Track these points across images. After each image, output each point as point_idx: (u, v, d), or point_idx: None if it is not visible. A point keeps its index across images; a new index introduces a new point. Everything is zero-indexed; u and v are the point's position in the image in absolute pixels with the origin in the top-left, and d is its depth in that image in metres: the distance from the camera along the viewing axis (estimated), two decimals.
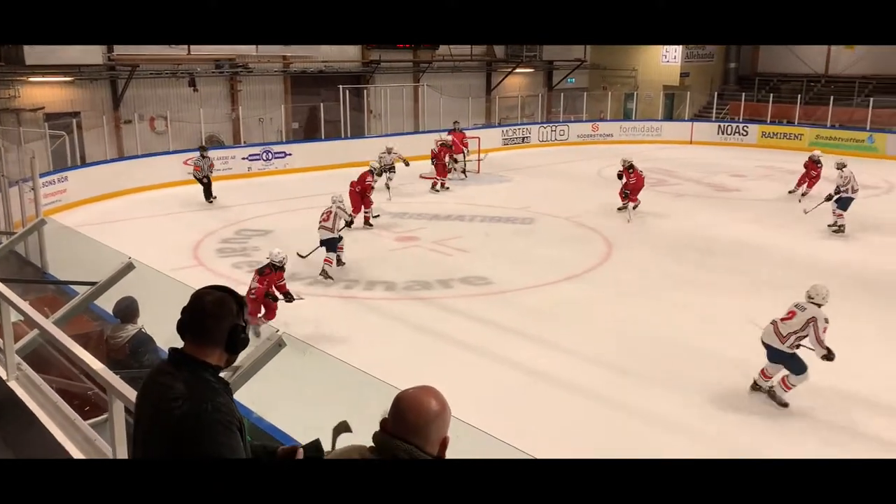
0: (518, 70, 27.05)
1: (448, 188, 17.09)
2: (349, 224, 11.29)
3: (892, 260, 11.55)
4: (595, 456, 5.76)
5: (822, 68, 28.16)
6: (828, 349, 6.55)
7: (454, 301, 9.55)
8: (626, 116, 27.60)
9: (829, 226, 13.22)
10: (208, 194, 15.89)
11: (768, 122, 25.30)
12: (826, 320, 6.60)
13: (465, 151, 19.09)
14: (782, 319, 6.78)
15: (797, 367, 6.73)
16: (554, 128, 25.69)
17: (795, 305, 6.80)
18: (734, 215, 14.65)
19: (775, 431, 6.53)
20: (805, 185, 16.09)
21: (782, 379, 6.87)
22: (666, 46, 27.70)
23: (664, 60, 27.89)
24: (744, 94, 26.72)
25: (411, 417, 1.82)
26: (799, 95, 25.29)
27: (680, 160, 21.56)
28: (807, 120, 24.78)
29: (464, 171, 18.88)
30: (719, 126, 26.01)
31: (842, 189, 12.95)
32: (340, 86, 21.53)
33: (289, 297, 8.36)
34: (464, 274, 10.80)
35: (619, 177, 14.67)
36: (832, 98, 24.26)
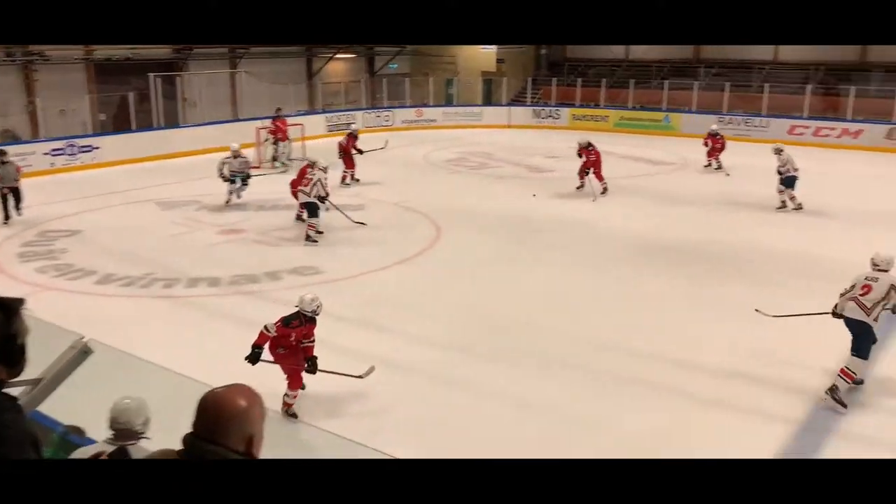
0: (339, 56, 26.84)
1: (358, 180, 16.19)
2: (321, 199, 11.85)
3: (684, 228, 12.73)
4: (446, 441, 5.71)
5: (623, 54, 30.30)
6: None
7: (283, 293, 9.38)
8: (448, 102, 28.24)
9: (777, 208, 13.83)
10: (17, 205, 12.90)
11: (577, 105, 26.88)
12: None
13: (289, 139, 18.70)
14: (861, 295, 6.74)
15: (865, 348, 6.67)
16: (379, 113, 25.77)
17: (867, 278, 6.83)
18: (552, 194, 15.47)
19: (614, 400, 6.94)
20: (714, 159, 17.80)
21: (842, 369, 6.66)
22: None
23: (481, 47, 28.79)
24: (555, 79, 28.17)
25: (210, 415, 1.80)
26: (604, 80, 27.08)
27: (500, 143, 22.42)
28: (611, 102, 26.60)
29: (286, 160, 18.46)
30: (534, 110, 27.29)
31: (782, 170, 13.75)
32: (150, 74, 20.31)
33: (312, 366, 6.47)
34: (293, 264, 10.63)
35: (579, 155, 15.31)
36: (632, 81, 26.22)
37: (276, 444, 2.02)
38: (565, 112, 26.67)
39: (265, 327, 6.27)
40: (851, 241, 11.54)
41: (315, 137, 21.34)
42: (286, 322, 6.29)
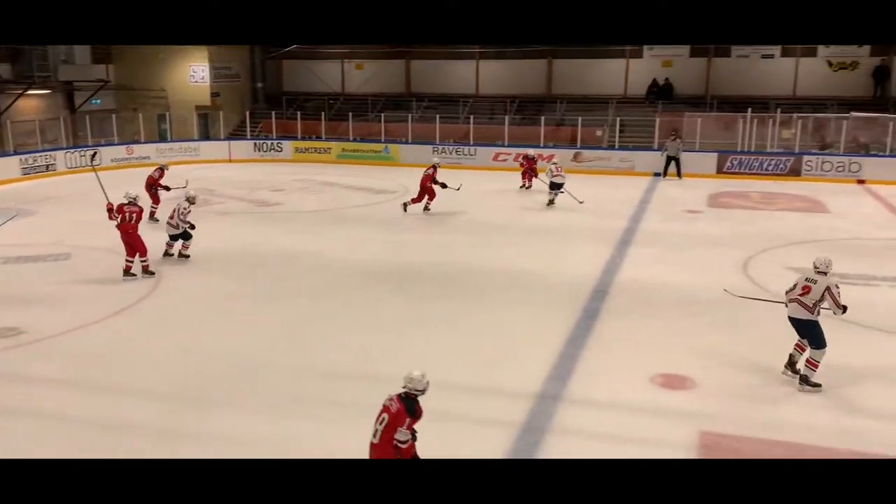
0: (31, 92, 24.19)
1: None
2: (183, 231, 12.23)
3: (408, 252, 13.39)
4: None
5: (339, 87, 31.10)
6: (844, 307, 7.35)
7: None
8: (162, 137, 26.77)
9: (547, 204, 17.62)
10: None
11: (299, 137, 27.01)
12: (837, 286, 7.37)
13: None
14: (801, 295, 7.41)
15: (819, 340, 7.36)
16: (84, 153, 23.61)
17: (807, 279, 7.45)
18: (281, 227, 15.34)
19: (357, 428, 7.00)
20: (527, 180, 19.86)
21: (807, 360, 7.46)
22: (193, 67, 27.63)
23: (192, 80, 27.75)
24: (273, 112, 28.06)
25: None
26: (323, 112, 27.55)
27: (221, 178, 21.75)
28: (332, 134, 27.13)
29: None
30: (255, 144, 26.90)
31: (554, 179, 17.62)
32: None
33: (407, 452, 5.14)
34: None
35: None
36: (350, 114, 27.01)
37: None
38: (288, 145, 26.64)
39: (399, 441, 5.03)
40: (542, 253, 12.99)
41: (7, 182, 19.00)
42: (412, 411, 5.08)
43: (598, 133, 25.60)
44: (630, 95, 28.17)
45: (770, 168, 22.42)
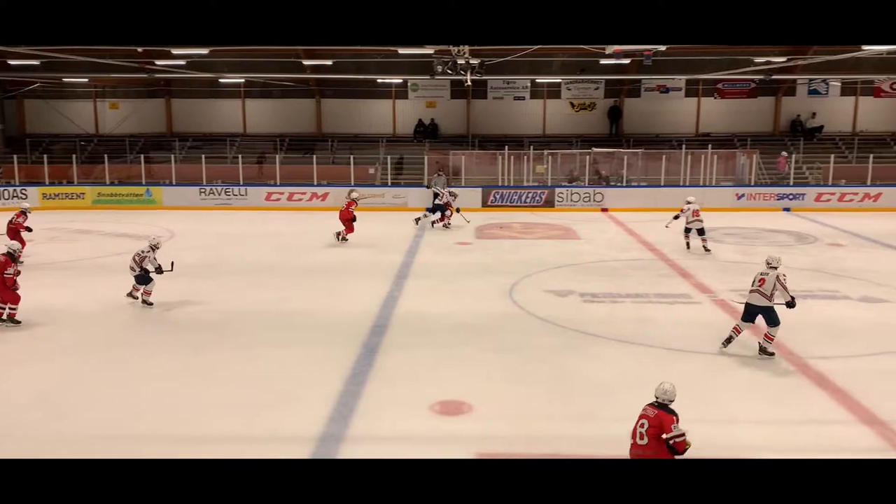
0: None
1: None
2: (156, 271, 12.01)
3: (173, 298, 12.67)
4: None
5: (92, 127, 28.90)
6: (792, 297, 9.23)
7: None
8: None
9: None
10: None
11: (47, 183, 24.65)
12: (784, 276, 9.33)
13: None
14: (759, 285, 9.34)
15: (775, 319, 9.22)
16: None
17: (762, 274, 9.41)
18: (29, 282, 13.77)
19: None
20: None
21: (765, 335, 9.33)
22: None
23: None
24: (16, 156, 25.38)
25: None
26: (74, 155, 25.39)
27: None
28: (86, 178, 25.07)
29: None
30: None
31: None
32: None
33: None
34: None
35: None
36: (106, 156, 25.16)
37: None
38: (34, 191, 24.14)
39: (675, 437, 5.82)
40: (321, 292, 12.96)
41: None
42: (671, 411, 5.98)
43: (371, 171, 26.15)
44: (399, 134, 29.16)
45: (528, 200, 24.26)
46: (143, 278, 12.16)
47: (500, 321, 11.27)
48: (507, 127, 28.74)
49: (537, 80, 27.74)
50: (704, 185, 24.37)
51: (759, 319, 9.45)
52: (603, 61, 20.40)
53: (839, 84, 27.97)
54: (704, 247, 16.58)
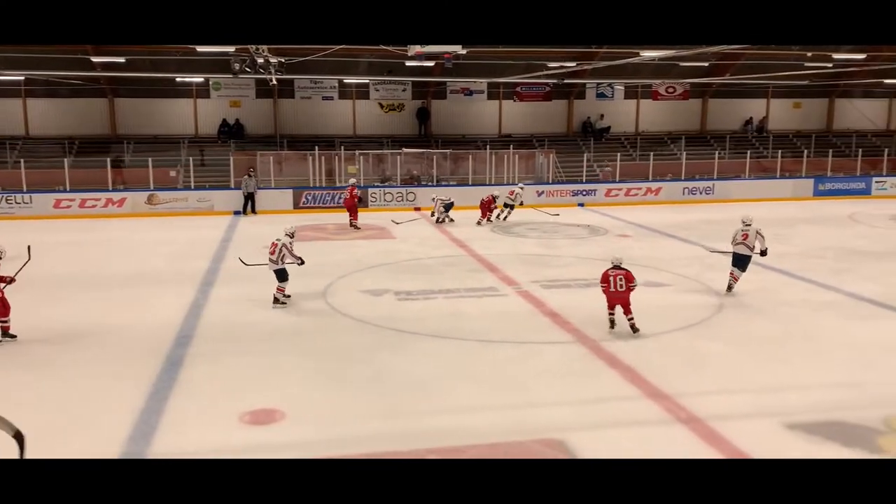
0: None
1: None
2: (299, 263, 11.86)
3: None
4: None
5: None
6: (766, 247, 12.43)
7: None
8: None
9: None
10: None
11: None
12: (761, 229, 12.43)
13: None
14: (744, 239, 12.31)
15: (746, 265, 12.41)
16: None
17: (742, 230, 12.34)
18: None
19: None
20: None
21: (732, 275, 12.51)
22: None
23: None
24: None
25: None
26: None
27: None
28: None
29: None
30: None
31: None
32: None
33: None
34: None
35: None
36: None
37: None
38: None
39: None
40: (118, 304, 12.13)
41: None
42: None
43: (172, 174, 24.81)
44: (202, 135, 27.92)
45: (341, 201, 24.14)
46: (281, 273, 11.95)
47: (314, 324, 11.12)
48: (317, 127, 28.47)
49: (345, 81, 27.71)
50: (509, 184, 25.57)
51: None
52: (408, 63, 20.76)
53: (623, 88, 30.49)
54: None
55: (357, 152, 25.99)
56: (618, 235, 19.39)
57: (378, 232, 19.95)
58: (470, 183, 25.59)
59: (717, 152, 28.41)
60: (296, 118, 28.52)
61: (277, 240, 12.09)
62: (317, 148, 25.21)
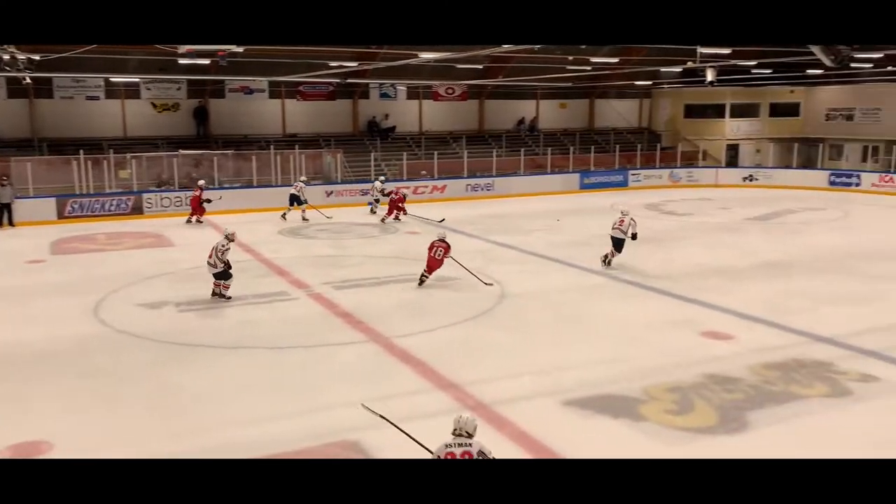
0: None
1: None
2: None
3: None
4: None
5: None
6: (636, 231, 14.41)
7: None
8: None
9: None
10: None
11: None
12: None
13: None
14: (619, 224, 14.34)
15: (622, 248, 14.41)
16: None
17: (619, 217, 14.44)
18: None
19: None
20: None
21: (612, 253, 14.55)
22: None
23: None
24: None
25: None
26: None
27: None
28: None
29: None
30: None
31: None
32: None
33: None
34: None
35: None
36: None
37: None
38: None
39: None
40: None
41: None
42: None
43: None
44: None
45: (113, 209, 22.40)
46: (225, 273, 12.21)
47: (84, 344, 10.22)
48: (82, 129, 26.09)
49: (112, 79, 25.69)
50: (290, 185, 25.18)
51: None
52: (181, 61, 19.71)
53: (405, 88, 31.18)
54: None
55: (128, 155, 24.20)
56: (407, 233, 19.82)
57: (155, 240, 18.74)
58: (255, 184, 24.87)
59: (494, 150, 29.96)
60: (56, 120, 25.95)
61: (221, 244, 12.28)
62: (82, 152, 23.11)
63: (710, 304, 12.09)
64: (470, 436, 5.44)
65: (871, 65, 25.47)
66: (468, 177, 28.26)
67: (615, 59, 25.59)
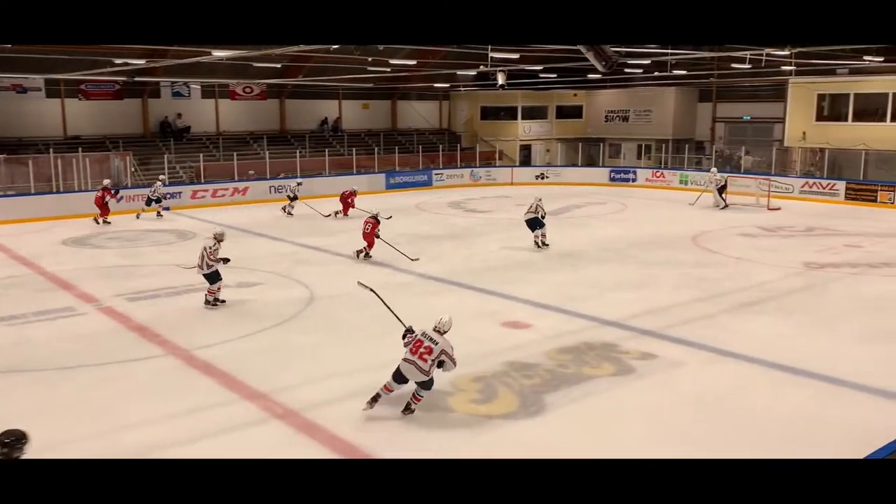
0: None
1: None
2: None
3: None
4: None
5: None
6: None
7: None
8: None
9: None
10: None
11: None
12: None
13: None
14: (535, 210, 16.75)
15: (537, 227, 16.54)
16: None
17: (536, 205, 16.72)
18: None
19: None
20: None
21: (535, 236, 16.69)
22: None
23: None
24: None
25: None
26: None
27: None
28: None
29: None
30: None
31: None
32: None
33: None
34: None
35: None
36: None
37: None
38: None
39: None
40: None
41: None
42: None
43: None
44: None
45: None
46: (214, 275, 11.67)
47: None
48: None
49: None
50: (79, 191, 23.24)
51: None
52: None
53: (199, 87, 29.79)
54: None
55: None
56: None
57: None
58: (32, 192, 22.63)
59: (298, 151, 29.49)
60: None
61: (209, 247, 11.85)
62: None
63: (509, 295, 12.75)
64: (441, 334, 7.53)
65: (641, 70, 28.06)
66: (271, 178, 27.59)
67: (413, 62, 26.14)
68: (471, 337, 10.42)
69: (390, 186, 30.03)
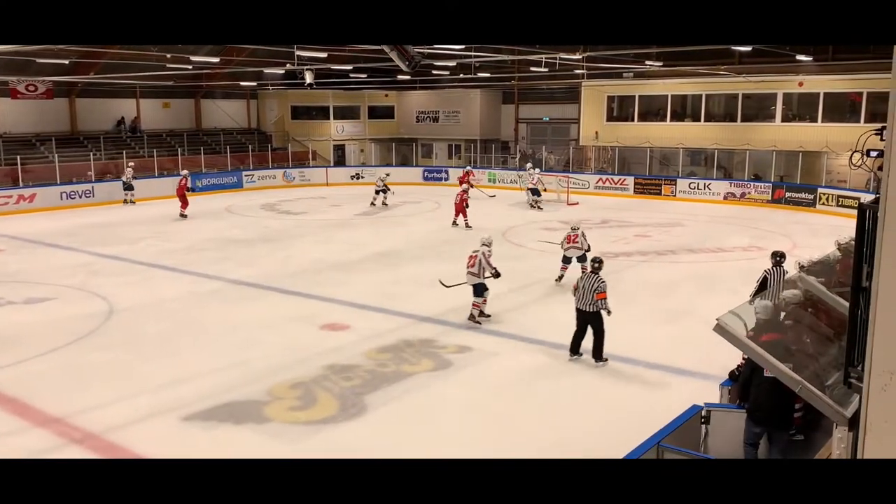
0: None
1: None
2: (494, 276, 11.06)
3: None
4: None
5: None
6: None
7: None
8: None
9: None
10: None
11: None
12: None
13: None
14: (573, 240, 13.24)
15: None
16: None
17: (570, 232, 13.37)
18: None
19: None
20: None
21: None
22: None
23: None
24: None
25: None
26: None
27: None
28: None
29: None
30: None
31: None
32: None
33: None
34: None
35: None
36: None
37: None
38: None
39: None
40: None
41: None
42: None
43: None
44: None
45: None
46: (482, 287, 10.92)
47: None
48: None
49: None
50: None
51: None
52: None
53: None
54: None
55: None
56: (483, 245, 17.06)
57: None
58: None
59: (92, 153, 27.31)
60: None
61: (475, 251, 11.11)
62: None
63: (327, 297, 12.62)
64: (484, 245, 10.71)
65: (448, 72, 28.86)
66: (62, 183, 25.33)
67: (216, 59, 25.10)
68: (289, 342, 10.21)
69: (197, 189, 28.61)
